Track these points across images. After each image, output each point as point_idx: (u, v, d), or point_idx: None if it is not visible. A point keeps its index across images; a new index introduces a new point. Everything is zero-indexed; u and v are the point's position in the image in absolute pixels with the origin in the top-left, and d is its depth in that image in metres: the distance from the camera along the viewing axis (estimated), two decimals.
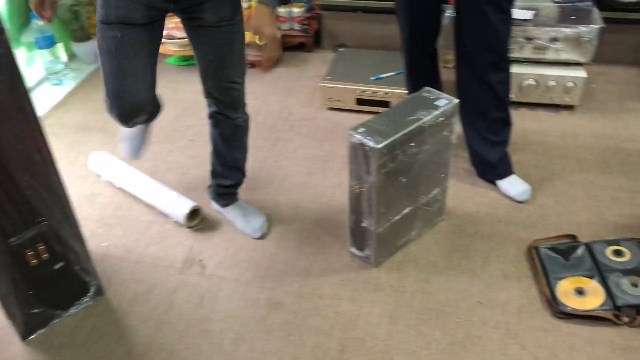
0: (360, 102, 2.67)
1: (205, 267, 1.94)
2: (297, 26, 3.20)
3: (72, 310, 1.78)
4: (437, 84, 2.22)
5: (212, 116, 1.89)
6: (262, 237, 2.04)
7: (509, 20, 1.93)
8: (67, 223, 1.64)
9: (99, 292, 1.83)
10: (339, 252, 1.96)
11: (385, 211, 1.79)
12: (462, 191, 2.19)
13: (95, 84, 3.04)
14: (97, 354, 1.67)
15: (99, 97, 2.93)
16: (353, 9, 3.06)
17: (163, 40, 1.72)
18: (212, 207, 2.15)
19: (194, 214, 2.10)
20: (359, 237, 1.89)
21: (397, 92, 2.60)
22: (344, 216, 2.10)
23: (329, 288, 1.84)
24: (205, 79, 1.79)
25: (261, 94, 2.93)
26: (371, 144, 1.62)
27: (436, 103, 1.78)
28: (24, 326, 1.69)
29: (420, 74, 2.19)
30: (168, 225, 2.12)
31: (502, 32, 1.93)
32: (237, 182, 2.08)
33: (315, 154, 2.46)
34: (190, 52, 3.03)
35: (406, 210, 1.87)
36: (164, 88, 2.98)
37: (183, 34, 2.95)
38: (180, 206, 2.08)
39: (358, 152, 1.68)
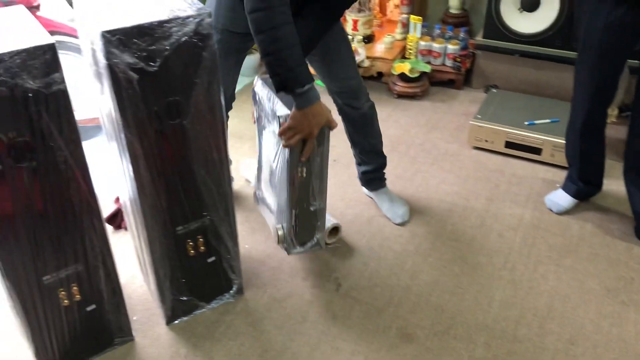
0: (510, 145, 2.60)
1: (340, 285, 1.96)
2: (449, 62, 3.19)
3: (214, 304, 1.87)
4: (603, 140, 2.12)
5: (341, 110, 2.07)
6: (403, 225, 2.23)
7: None
8: (226, 220, 1.73)
9: (240, 291, 1.91)
10: (475, 295, 1.91)
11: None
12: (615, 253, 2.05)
13: (248, 95, 3.21)
14: (232, 351, 1.73)
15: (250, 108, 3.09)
16: (510, 52, 3.00)
17: None
18: (364, 193, 2.38)
19: (333, 231, 2.14)
20: (305, 232, 1.83)
21: (551, 141, 2.50)
22: (481, 258, 2.05)
23: (463, 330, 1.78)
24: (324, 78, 1.97)
25: (405, 124, 2.94)
26: None
27: None
28: (170, 311, 1.79)
29: (592, 130, 2.09)
30: None
31: None
32: (379, 166, 2.25)
33: (457, 192, 2.42)
34: None
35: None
36: None
37: None
38: None
39: None
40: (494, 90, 2.97)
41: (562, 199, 2.27)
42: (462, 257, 2.07)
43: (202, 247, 1.73)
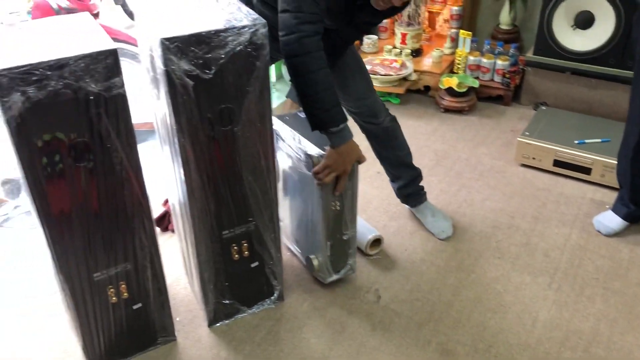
0: (558, 164, 2.55)
1: (381, 297, 1.95)
2: (497, 78, 3.16)
3: (254, 309, 1.89)
4: None
5: (363, 128, 2.09)
6: (446, 240, 2.19)
7: None
8: (270, 227, 1.75)
9: (281, 297, 1.92)
10: (519, 315, 1.87)
11: None
12: None
13: None
14: (271, 356, 1.74)
15: None
16: (561, 69, 2.95)
17: None
18: (407, 208, 2.34)
19: (375, 243, 2.14)
20: (339, 260, 1.91)
21: (601, 160, 2.44)
22: (525, 277, 2.01)
23: (505, 349, 1.75)
24: (340, 100, 1.97)
25: (450, 139, 2.92)
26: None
27: None
28: (213, 314, 1.83)
29: None
30: None
31: None
32: (412, 179, 2.22)
33: (502, 209, 2.38)
34: (387, 89, 3.15)
35: None
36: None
37: (386, 71, 3.07)
38: (363, 233, 2.13)
39: None
40: (544, 108, 2.92)
41: (611, 220, 2.21)
42: (506, 275, 2.03)
43: (246, 252, 1.76)
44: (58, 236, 1.43)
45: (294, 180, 1.91)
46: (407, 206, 2.33)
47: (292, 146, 1.83)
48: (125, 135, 1.39)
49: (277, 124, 1.90)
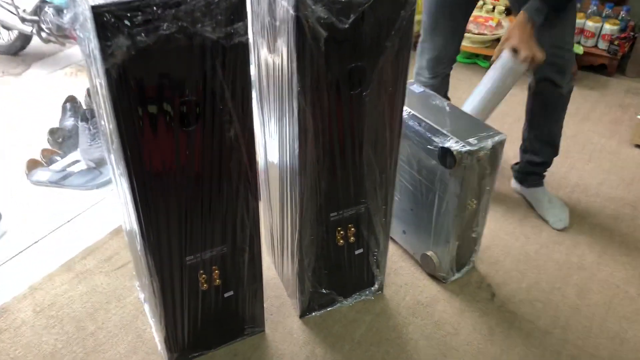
0: None
1: (495, 295, 1.70)
2: (603, 45, 2.80)
3: (351, 301, 1.65)
4: None
5: (536, 86, 1.83)
6: (563, 230, 1.93)
7: None
8: (383, 210, 1.49)
9: (381, 288, 1.68)
10: None
11: None
12: None
13: None
14: (375, 358, 1.51)
15: None
16: None
17: None
18: (512, 187, 2.09)
19: None
20: (462, 257, 1.70)
21: None
22: None
23: None
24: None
25: None
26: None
27: None
28: (307, 303, 1.59)
29: None
30: None
31: None
32: (547, 160, 1.97)
33: (622, 197, 2.08)
34: (478, 50, 2.82)
35: None
36: None
37: (479, 29, 2.73)
38: None
39: None
40: None
41: None
42: (638, 277, 1.76)
43: (352, 238, 1.50)
44: (152, 207, 1.17)
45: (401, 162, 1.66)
46: (515, 185, 2.05)
47: (409, 126, 1.59)
48: (241, 96, 1.12)
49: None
